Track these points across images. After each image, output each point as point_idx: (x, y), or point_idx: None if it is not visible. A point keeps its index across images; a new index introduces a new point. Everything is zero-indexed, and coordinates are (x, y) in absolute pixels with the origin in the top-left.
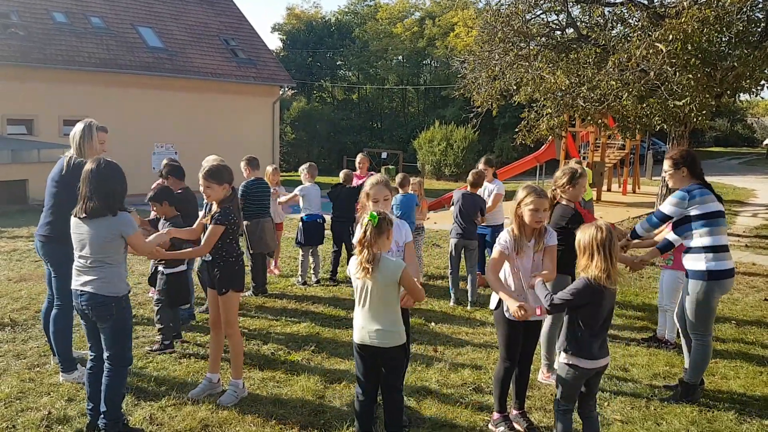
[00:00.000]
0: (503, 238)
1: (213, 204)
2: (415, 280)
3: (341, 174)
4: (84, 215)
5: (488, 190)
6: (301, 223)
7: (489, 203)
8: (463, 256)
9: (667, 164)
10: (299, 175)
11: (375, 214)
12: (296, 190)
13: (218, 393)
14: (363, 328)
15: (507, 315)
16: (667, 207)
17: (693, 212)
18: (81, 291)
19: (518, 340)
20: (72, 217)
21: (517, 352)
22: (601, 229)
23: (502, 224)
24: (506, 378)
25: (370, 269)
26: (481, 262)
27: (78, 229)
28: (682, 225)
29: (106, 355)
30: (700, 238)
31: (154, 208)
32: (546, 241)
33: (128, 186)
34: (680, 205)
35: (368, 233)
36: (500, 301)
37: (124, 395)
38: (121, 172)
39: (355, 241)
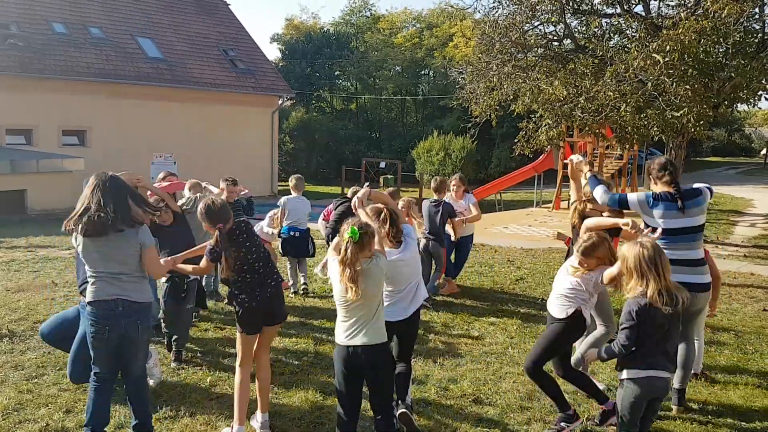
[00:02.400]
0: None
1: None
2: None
3: (350, 192)
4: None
5: (462, 206)
6: (281, 236)
7: (473, 212)
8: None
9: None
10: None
11: (356, 229)
12: (280, 203)
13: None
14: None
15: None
16: (632, 196)
17: (660, 224)
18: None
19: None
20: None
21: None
22: (647, 246)
23: (472, 234)
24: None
25: (356, 287)
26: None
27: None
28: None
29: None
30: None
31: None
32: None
33: None
34: (642, 204)
35: (349, 251)
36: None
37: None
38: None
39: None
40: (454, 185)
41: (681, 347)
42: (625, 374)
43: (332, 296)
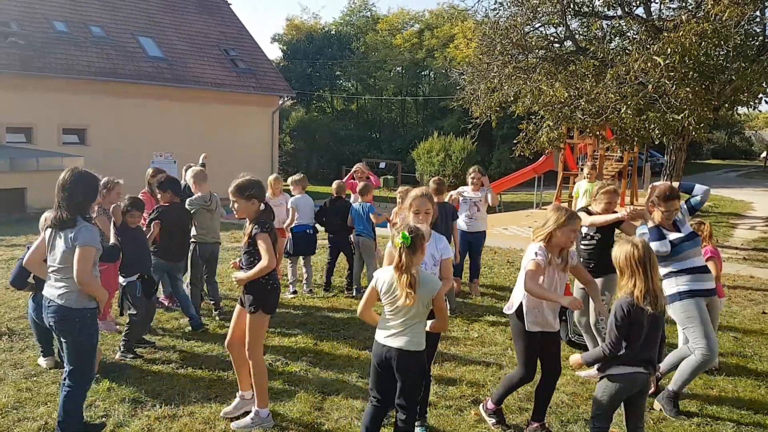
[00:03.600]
0: (538, 251)
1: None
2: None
3: (334, 185)
4: (56, 225)
5: (478, 195)
6: (290, 234)
7: (489, 202)
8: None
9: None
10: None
11: (406, 234)
12: (289, 204)
13: (236, 413)
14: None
15: (527, 328)
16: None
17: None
18: (49, 301)
19: (536, 350)
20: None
21: (535, 361)
22: (638, 246)
23: (484, 231)
24: (518, 384)
25: (413, 292)
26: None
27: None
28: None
29: (67, 369)
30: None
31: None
32: (570, 261)
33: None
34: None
35: (404, 257)
36: (519, 313)
37: (82, 412)
38: (91, 182)
39: (387, 263)
40: (474, 177)
41: (700, 352)
42: (611, 370)
43: (331, 296)
